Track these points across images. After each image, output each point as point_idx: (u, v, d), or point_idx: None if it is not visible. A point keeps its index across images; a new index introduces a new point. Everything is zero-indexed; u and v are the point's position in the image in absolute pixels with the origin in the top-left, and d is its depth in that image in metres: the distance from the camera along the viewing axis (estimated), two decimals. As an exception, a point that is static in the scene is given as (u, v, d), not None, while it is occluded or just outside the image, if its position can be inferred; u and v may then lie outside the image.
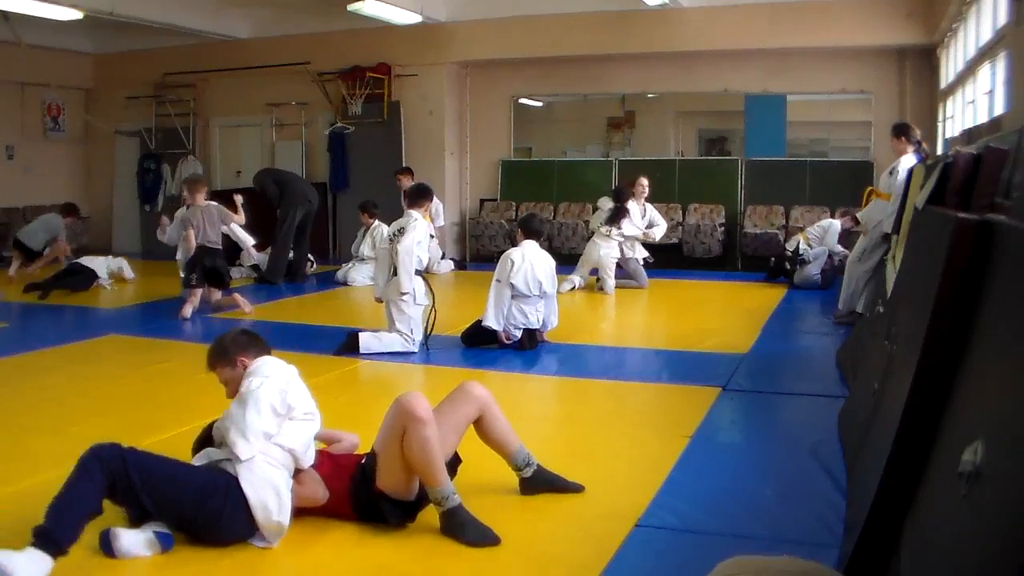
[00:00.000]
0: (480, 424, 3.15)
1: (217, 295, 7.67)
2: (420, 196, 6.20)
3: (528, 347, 5.84)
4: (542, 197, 11.60)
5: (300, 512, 2.91)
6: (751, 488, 3.35)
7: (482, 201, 11.95)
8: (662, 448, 3.78)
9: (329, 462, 3.04)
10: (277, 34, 11.85)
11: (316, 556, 2.78)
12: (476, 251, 11.52)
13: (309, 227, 9.86)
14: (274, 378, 2.90)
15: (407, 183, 10.08)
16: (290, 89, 11.99)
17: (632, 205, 8.86)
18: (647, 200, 9.18)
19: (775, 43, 9.97)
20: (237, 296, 7.54)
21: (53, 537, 2.50)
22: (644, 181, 9.16)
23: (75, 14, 9.51)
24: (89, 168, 13.52)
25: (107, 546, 2.67)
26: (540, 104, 12.79)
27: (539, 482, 3.20)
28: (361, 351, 5.75)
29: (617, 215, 8.71)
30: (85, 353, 6.02)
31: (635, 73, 11.13)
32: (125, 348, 6.27)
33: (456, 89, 11.79)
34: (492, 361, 5.60)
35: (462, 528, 2.82)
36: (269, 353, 3.09)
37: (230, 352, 3.04)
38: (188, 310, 7.26)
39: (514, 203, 11.70)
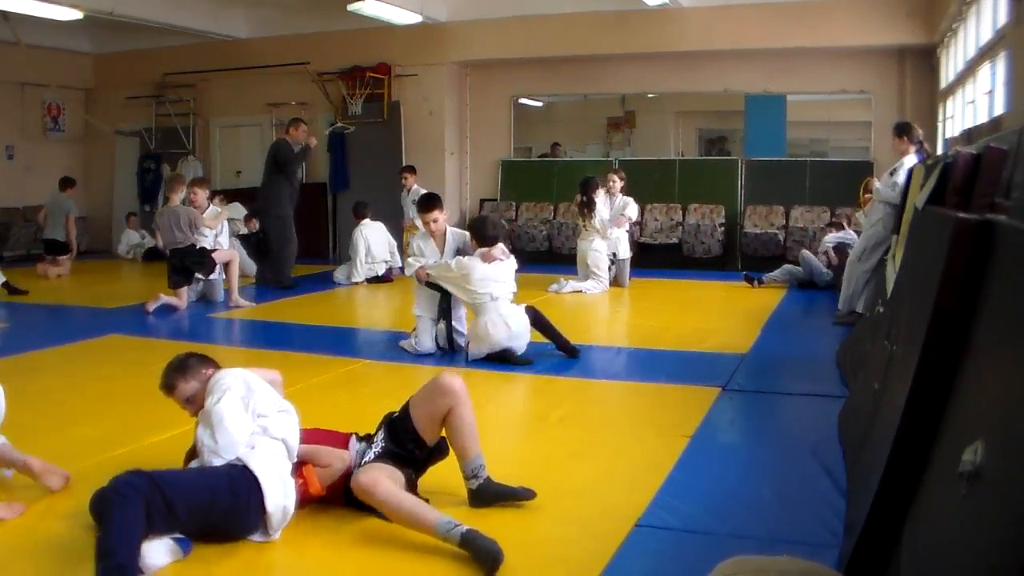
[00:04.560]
0: (447, 418, 3.07)
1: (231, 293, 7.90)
2: (418, 208, 6.12)
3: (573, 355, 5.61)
4: (542, 197, 11.60)
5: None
6: (751, 488, 3.35)
7: (482, 201, 11.95)
8: (662, 448, 3.77)
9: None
10: (277, 34, 11.86)
11: (315, 556, 2.77)
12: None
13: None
14: (233, 389, 2.92)
15: (412, 182, 10.10)
16: (290, 89, 12.00)
17: (601, 196, 8.87)
18: (623, 193, 9.14)
19: (775, 43, 9.97)
20: (163, 296, 7.60)
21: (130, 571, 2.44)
22: (614, 176, 9.14)
23: (75, 14, 9.52)
24: (89, 168, 13.53)
25: None
26: (540, 104, 12.79)
27: (487, 495, 3.07)
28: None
29: (583, 207, 8.79)
30: (85, 353, 6.02)
31: (635, 73, 11.14)
32: (125, 348, 6.27)
33: (456, 89, 11.79)
34: (492, 361, 5.59)
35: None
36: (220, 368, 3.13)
37: (195, 366, 3.07)
38: (151, 305, 7.47)
39: (514, 203, 11.70)
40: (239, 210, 10.56)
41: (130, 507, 2.52)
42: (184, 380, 3.05)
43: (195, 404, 3.03)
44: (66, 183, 10.54)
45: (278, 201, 9.00)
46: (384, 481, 2.84)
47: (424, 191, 10.15)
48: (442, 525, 2.71)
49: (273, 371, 3.31)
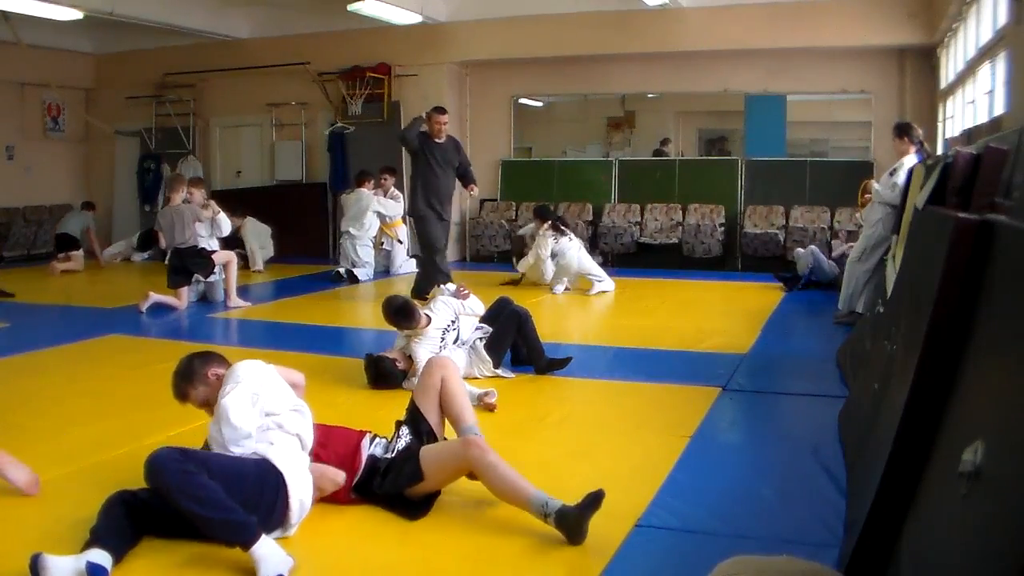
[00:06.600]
0: (441, 392, 3.39)
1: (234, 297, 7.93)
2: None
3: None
4: (542, 197, 11.58)
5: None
6: (751, 488, 3.35)
7: (482, 201, 11.94)
8: (662, 448, 3.78)
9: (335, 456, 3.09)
10: (277, 34, 11.85)
11: (315, 556, 2.77)
12: (476, 251, 11.53)
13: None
14: (244, 383, 2.91)
15: (389, 184, 10.15)
16: (290, 89, 11.99)
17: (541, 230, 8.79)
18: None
19: (775, 43, 9.97)
20: (157, 295, 7.63)
21: None
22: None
23: (75, 14, 9.52)
24: (89, 168, 13.53)
25: (34, 573, 2.44)
26: (540, 104, 12.79)
27: None
28: None
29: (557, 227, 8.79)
30: (85, 353, 6.02)
31: (635, 73, 11.14)
32: (125, 348, 6.27)
33: (456, 89, 11.79)
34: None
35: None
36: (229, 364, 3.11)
37: (198, 370, 3.05)
38: (144, 304, 7.49)
39: (514, 203, 11.70)
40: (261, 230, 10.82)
41: (197, 477, 2.61)
42: (193, 387, 3.04)
43: (210, 405, 3.01)
44: (88, 206, 11.21)
45: (412, 198, 8.10)
46: (492, 449, 2.99)
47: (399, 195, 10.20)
48: (537, 499, 2.81)
49: (298, 373, 3.30)
